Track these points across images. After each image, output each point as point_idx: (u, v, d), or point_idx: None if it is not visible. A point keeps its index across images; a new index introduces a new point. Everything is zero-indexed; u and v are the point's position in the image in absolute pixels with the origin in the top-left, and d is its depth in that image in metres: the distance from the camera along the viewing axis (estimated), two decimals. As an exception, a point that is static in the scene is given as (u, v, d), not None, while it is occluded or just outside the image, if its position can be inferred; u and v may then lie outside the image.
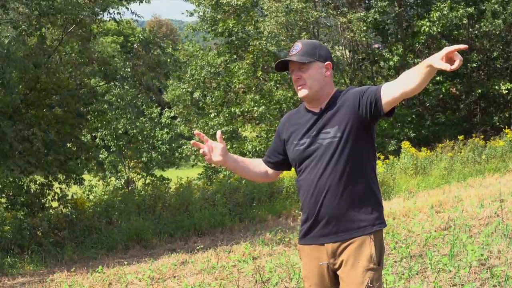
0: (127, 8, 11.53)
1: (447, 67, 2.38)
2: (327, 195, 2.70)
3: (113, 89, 12.26)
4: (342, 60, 18.89)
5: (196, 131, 2.83)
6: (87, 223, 9.95)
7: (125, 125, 15.26)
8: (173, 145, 17.65)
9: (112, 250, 9.10)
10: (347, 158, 2.68)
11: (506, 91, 19.00)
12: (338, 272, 2.74)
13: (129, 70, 11.81)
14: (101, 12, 11.08)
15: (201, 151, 2.82)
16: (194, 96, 19.41)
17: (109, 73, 11.16)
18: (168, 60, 12.61)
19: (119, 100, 12.97)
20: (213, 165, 18.98)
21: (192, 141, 2.85)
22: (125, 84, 12.07)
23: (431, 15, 18.21)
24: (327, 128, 2.72)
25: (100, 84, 11.89)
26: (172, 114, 19.40)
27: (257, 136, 17.95)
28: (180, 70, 18.44)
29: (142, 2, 11.64)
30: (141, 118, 16.56)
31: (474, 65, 19.53)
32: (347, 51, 20.61)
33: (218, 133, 2.82)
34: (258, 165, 3.01)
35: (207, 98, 19.30)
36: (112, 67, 11.26)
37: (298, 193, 2.87)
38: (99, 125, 13.71)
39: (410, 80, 2.55)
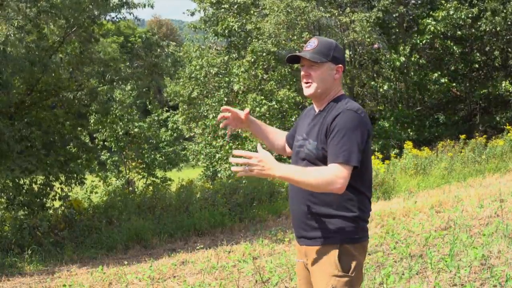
0: (130, 13, 11.55)
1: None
2: (299, 201, 2.72)
3: (112, 91, 12.19)
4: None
5: (223, 107, 2.93)
6: (87, 223, 9.94)
7: (126, 126, 15.24)
8: (176, 147, 17.67)
9: (112, 250, 9.10)
10: None
11: (508, 93, 19.01)
12: (310, 275, 2.77)
13: (130, 71, 11.79)
14: (102, 16, 11.08)
15: (222, 124, 2.95)
16: (192, 96, 19.39)
17: (109, 75, 11.14)
18: (168, 62, 12.57)
19: (118, 100, 12.92)
20: (212, 166, 18.98)
21: (220, 116, 2.95)
22: (125, 85, 12.01)
23: (436, 14, 18.23)
24: (311, 138, 2.71)
25: (100, 87, 11.83)
26: (180, 119, 19.47)
27: (257, 136, 17.90)
28: (180, 66, 18.46)
29: (145, 7, 11.68)
30: (144, 119, 16.54)
31: (476, 66, 19.55)
32: (347, 51, 20.61)
33: (246, 110, 2.97)
34: (280, 138, 3.09)
35: (207, 99, 19.29)
36: (112, 68, 11.24)
37: None
38: (100, 126, 13.70)
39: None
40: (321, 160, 2.64)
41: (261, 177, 2.56)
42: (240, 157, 2.52)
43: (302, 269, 2.84)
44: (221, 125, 2.97)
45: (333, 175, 2.51)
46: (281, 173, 2.51)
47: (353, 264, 2.66)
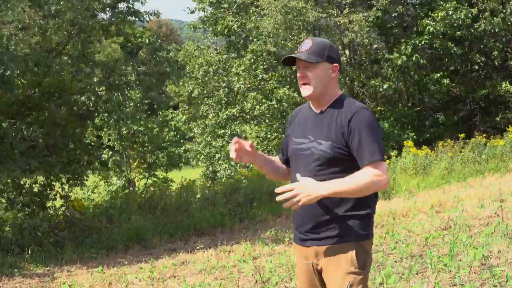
0: (141, 19, 11.55)
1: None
2: (312, 205, 2.68)
3: (116, 97, 12.08)
4: (342, 60, 18.86)
5: (235, 139, 2.84)
6: (87, 223, 9.94)
7: (131, 126, 15.19)
8: (180, 148, 17.68)
9: (112, 250, 9.10)
10: (337, 173, 2.66)
11: (508, 93, 18.99)
12: (323, 275, 2.76)
13: (134, 78, 11.72)
14: (110, 26, 11.07)
15: (232, 154, 2.85)
16: (193, 95, 19.41)
17: (114, 81, 11.09)
18: (174, 70, 12.47)
19: (122, 108, 12.76)
20: (212, 166, 19.01)
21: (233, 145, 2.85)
22: (128, 90, 11.93)
23: (436, 14, 18.23)
24: (321, 138, 2.70)
25: (105, 91, 11.74)
26: (183, 118, 19.52)
27: (256, 136, 17.97)
28: (182, 70, 18.51)
29: (151, 15, 11.72)
30: (150, 118, 16.52)
31: (476, 67, 19.53)
32: (346, 51, 20.60)
33: (250, 142, 2.88)
34: (280, 165, 3.02)
35: (207, 99, 19.30)
36: (117, 73, 11.19)
37: None
38: (105, 125, 13.69)
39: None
40: (335, 159, 2.66)
41: (310, 202, 2.53)
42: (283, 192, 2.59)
43: (306, 272, 2.82)
44: (231, 155, 2.89)
45: (378, 174, 2.58)
46: (328, 190, 2.56)
47: (367, 260, 2.71)
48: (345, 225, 2.68)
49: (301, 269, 2.85)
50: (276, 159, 3.05)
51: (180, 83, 19.80)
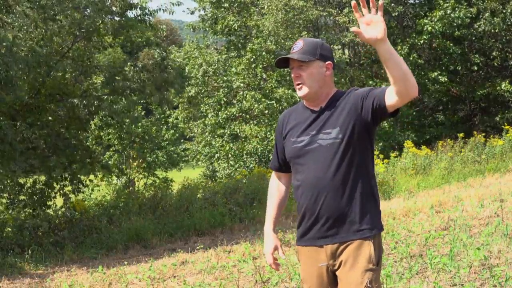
0: (150, 24, 11.57)
1: (358, 30, 2.42)
2: (328, 197, 2.69)
3: (119, 101, 12.05)
4: (342, 60, 18.84)
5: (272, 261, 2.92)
6: (87, 223, 9.94)
7: (130, 125, 15.21)
8: (177, 148, 17.68)
9: (112, 250, 9.10)
10: (349, 161, 2.67)
11: (508, 93, 18.98)
12: (337, 273, 2.74)
13: (137, 85, 11.71)
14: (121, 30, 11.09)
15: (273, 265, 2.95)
16: (190, 94, 19.39)
17: (117, 87, 11.10)
18: (176, 78, 12.49)
19: (124, 111, 12.74)
20: (212, 166, 19.01)
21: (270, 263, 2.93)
22: (134, 95, 11.96)
23: (434, 14, 18.23)
24: (327, 128, 2.70)
25: (107, 95, 11.70)
26: (180, 116, 19.53)
27: (256, 136, 17.95)
28: (183, 76, 18.59)
29: (164, 12, 11.89)
30: (148, 118, 16.53)
31: (475, 67, 19.51)
32: (347, 51, 20.60)
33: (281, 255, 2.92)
34: (279, 192, 3.01)
35: (206, 98, 19.28)
36: (120, 78, 11.20)
37: (295, 192, 2.84)
38: (104, 126, 13.73)
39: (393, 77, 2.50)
40: (344, 144, 2.67)
41: (369, 41, 2.41)
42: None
43: (318, 275, 2.79)
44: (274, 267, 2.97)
45: None
46: (388, 44, 2.44)
47: (381, 255, 2.75)
48: (359, 222, 2.68)
49: (310, 273, 2.81)
50: (274, 195, 3.02)
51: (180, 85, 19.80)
